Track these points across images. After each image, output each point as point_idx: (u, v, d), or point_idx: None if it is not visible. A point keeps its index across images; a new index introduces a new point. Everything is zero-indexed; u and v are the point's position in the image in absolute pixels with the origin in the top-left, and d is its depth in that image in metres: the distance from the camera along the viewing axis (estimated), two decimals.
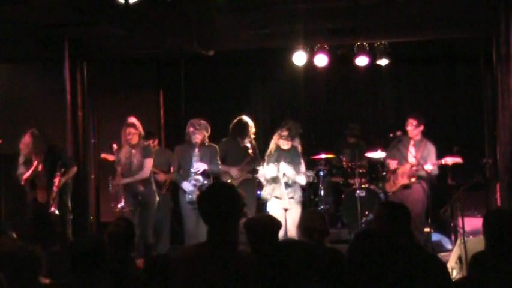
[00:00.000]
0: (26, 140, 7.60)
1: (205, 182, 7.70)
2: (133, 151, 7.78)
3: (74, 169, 7.89)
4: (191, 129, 7.79)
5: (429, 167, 8.01)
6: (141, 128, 7.83)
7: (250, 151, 8.29)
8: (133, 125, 7.76)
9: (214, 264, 3.19)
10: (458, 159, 8.07)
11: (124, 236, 4.68)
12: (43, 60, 9.37)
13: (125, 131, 7.76)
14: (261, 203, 8.06)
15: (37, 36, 8.22)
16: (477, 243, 4.54)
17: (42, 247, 3.87)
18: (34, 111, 9.49)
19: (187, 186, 7.77)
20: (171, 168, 8.37)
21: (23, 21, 7.33)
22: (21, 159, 7.70)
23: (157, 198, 7.97)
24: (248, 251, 3.55)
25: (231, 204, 3.31)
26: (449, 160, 8.07)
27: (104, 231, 4.76)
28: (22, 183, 7.70)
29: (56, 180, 7.56)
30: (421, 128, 8.29)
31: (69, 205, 7.78)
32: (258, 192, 8.31)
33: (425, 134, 8.45)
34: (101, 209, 9.58)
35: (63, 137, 8.40)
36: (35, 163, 7.57)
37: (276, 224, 4.75)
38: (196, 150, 7.77)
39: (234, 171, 8.20)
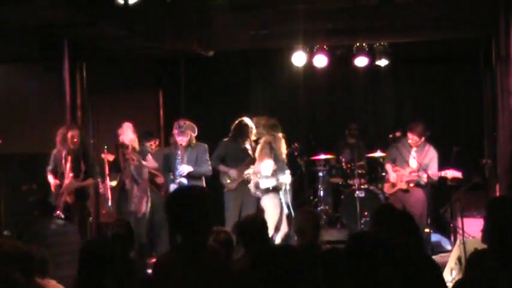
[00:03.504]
0: (74, 134, 7.34)
1: None
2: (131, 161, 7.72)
3: (90, 181, 7.61)
4: (175, 131, 7.80)
5: (425, 176, 8.02)
6: (134, 142, 7.70)
7: (250, 152, 8.28)
8: (126, 147, 7.61)
9: (191, 268, 3.18)
10: (458, 174, 8.02)
11: (126, 236, 4.70)
12: (43, 60, 9.35)
13: (121, 151, 7.64)
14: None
15: (37, 36, 8.21)
16: (477, 244, 4.54)
17: None
18: (34, 111, 9.46)
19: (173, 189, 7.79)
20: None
21: (23, 21, 7.32)
22: (50, 165, 7.40)
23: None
24: (216, 248, 3.54)
25: (199, 208, 3.25)
26: (449, 173, 8.04)
27: (106, 232, 4.77)
28: (53, 189, 7.35)
29: (66, 182, 7.33)
30: (422, 139, 8.24)
31: (88, 210, 7.70)
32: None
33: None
34: (100, 209, 9.56)
35: None
36: (68, 167, 7.25)
37: (266, 225, 4.72)
38: (179, 152, 7.76)
39: (233, 172, 8.19)
